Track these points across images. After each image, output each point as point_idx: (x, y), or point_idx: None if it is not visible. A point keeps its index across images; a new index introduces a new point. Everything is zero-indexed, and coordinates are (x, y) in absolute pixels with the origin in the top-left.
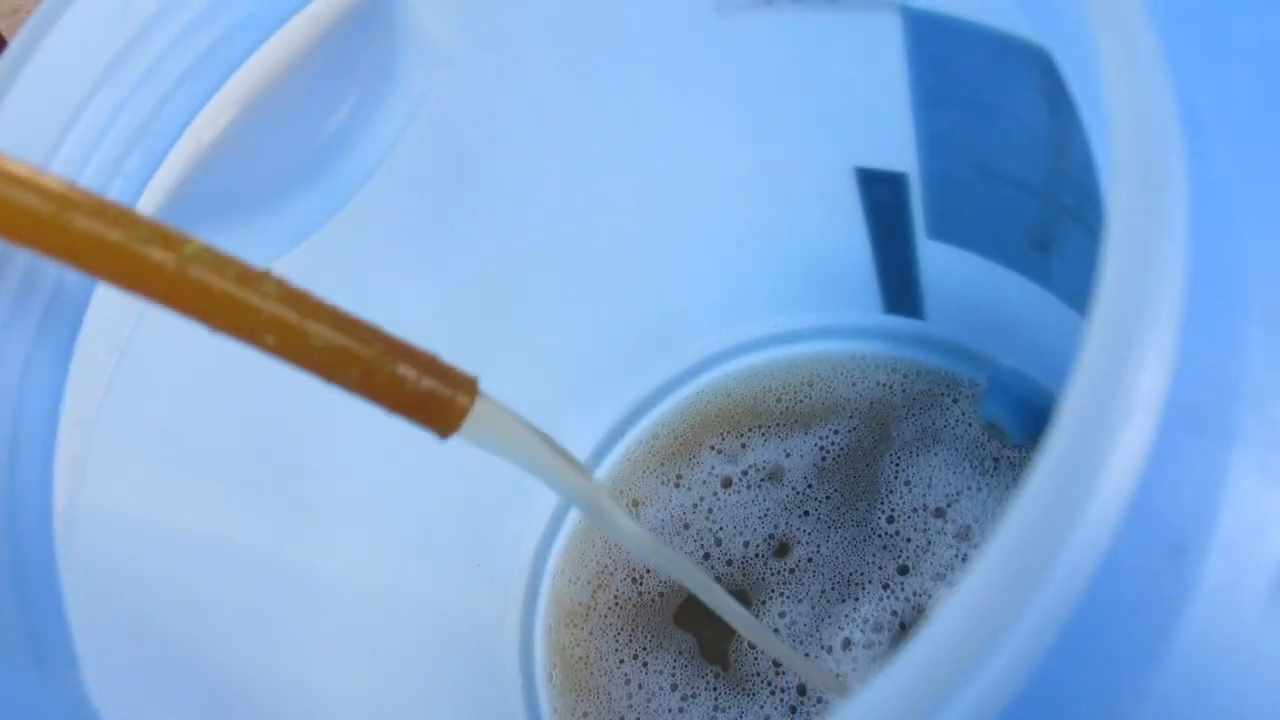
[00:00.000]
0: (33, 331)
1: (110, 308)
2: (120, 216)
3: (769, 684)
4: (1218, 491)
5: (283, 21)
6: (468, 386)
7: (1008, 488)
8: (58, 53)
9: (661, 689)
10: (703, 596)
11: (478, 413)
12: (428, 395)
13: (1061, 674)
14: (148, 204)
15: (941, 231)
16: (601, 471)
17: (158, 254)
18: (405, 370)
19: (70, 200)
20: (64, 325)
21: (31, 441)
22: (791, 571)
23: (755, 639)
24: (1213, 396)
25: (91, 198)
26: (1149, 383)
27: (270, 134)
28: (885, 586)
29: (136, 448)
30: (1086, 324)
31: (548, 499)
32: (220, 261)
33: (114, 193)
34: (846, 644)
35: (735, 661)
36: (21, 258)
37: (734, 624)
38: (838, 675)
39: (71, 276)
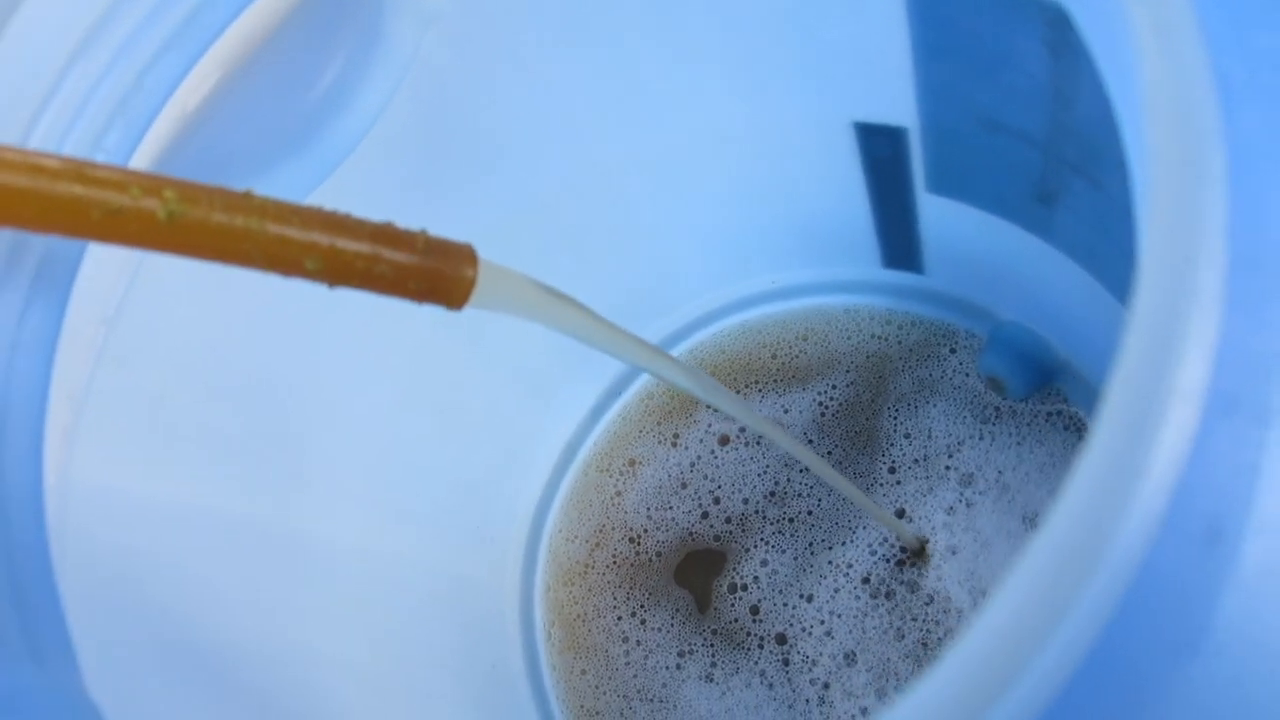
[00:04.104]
0: (20, 305)
1: (97, 279)
2: (100, 177)
3: (754, 635)
4: (1253, 475)
5: None
6: (467, 257)
7: (1009, 437)
8: (32, 27)
9: (659, 646)
10: (753, 425)
11: (484, 278)
12: (433, 276)
13: (1105, 668)
14: None
15: (942, 185)
16: (598, 431)
17: (147, 203)
18: (405, 258)
19: (49, 170)
20: (52, 300)
21: (21, 417)
22: (790, 521)
23: (812, 466)
24: (1246, 376)
25: (69, 163)
26: (1192, 373)
27: (255, 100)
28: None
29: (127, 421)
30: (1128, 310)
31: (545, 457)
32: (206, 195)
33: None
34: (834, 592)
35: (714, 607)
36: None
37: (780, 442)
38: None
39: (57, 248)
